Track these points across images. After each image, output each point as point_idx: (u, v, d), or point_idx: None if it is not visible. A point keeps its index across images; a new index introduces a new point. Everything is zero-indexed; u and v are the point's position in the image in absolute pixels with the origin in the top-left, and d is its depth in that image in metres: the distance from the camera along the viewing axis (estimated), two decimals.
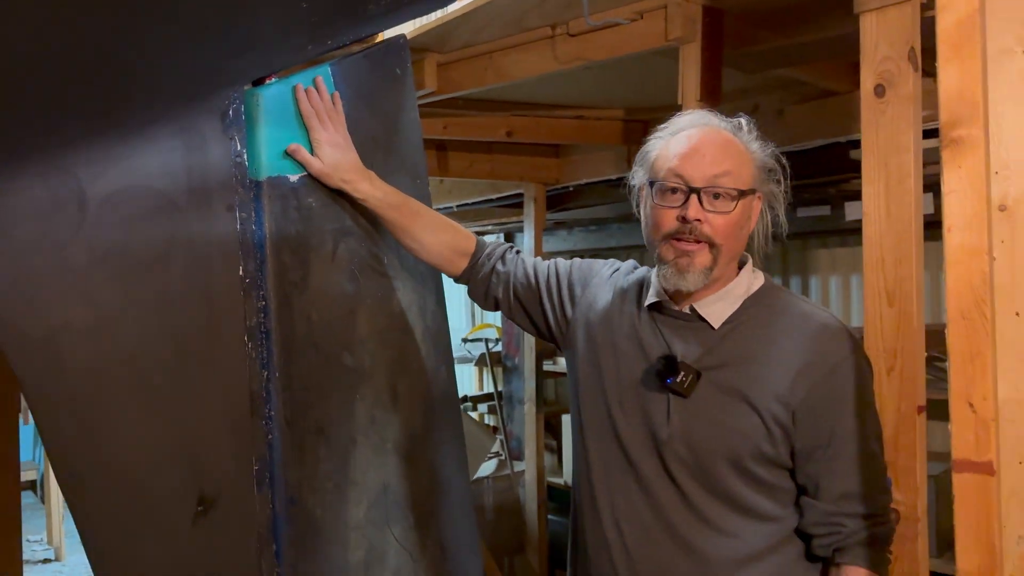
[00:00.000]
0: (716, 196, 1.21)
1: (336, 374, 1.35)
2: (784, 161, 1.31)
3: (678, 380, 1.22)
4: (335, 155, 1.34)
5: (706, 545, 1.23)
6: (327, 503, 1.30)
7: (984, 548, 0.85)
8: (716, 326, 1.26)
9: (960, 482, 0.87)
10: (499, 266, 1.46)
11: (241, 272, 1.22)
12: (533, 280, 1.45)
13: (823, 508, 1.23)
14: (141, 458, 1.12)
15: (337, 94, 1.37)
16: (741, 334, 1.26)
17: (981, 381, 0.86)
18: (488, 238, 5.33)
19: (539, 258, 1.51)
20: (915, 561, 1.38)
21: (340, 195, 1.38)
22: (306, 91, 1.32)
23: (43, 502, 5.51)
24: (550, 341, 1.49)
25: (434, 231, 1.44)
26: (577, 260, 1.49)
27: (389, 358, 1.48)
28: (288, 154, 1.30)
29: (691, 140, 1.25)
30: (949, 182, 0.88)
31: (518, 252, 1.51)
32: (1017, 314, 1.04)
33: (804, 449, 1.23)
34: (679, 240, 1.22)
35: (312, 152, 1.33)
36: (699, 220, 1.21)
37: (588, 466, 1.34)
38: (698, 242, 1.22)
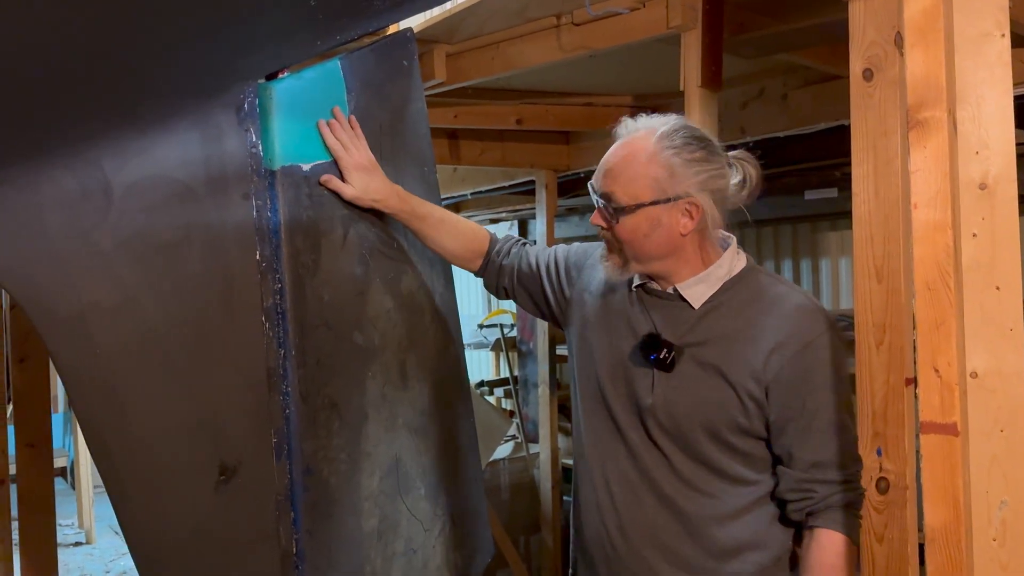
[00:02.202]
0: (613, 211, 1.33)
1: (348, 352, 1.43)
2: (750, 172, 1.38)
3: (661, 356, 1.32)
4: (364, 179, 1.45)
5: (688, 504, 1.33)
6: (341, 473, 1.37)
7: (949, 505, 0.91)
8: (696, 306, 1.36)
9: (927, 443, 0.92)
10: (505, 261, 1.60)
11: (258, 256, 1.29)
12: (535, 267, 1.58)
13: (796, 476, 1.31)
14: (166, 430, 1.20)
15: (353, 117, 1.46)
16: (720, 313, 1.35)
17: (946, 348, 0.92)
18: (502, 225, 5.35)
19: (543, 246, 1.63)
20: (904, 528, 1.43)
21: None
22: (328, 124, 1.42)
23: (73, 488, 5.66)
24: (552, 322, 1.62)
25: (455, 237, 1.58)
26: (575, 244, 1.60)
27: (399, 337, 1.55)
28: (322, 183, 1.41)
29: (607, 154, 1.37)
30: (915, 161, 0.93)
31: (524, 244, 1.64)
32: (998, 288, 1.09)
33: (778, 421, 1.32)
34: (599, 233, 1.38)
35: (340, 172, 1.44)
36: (599, 226, 1.36)
37: (582, 435, 1.45)
38: (609, 241, 1.36)
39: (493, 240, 1.60)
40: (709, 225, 1.34)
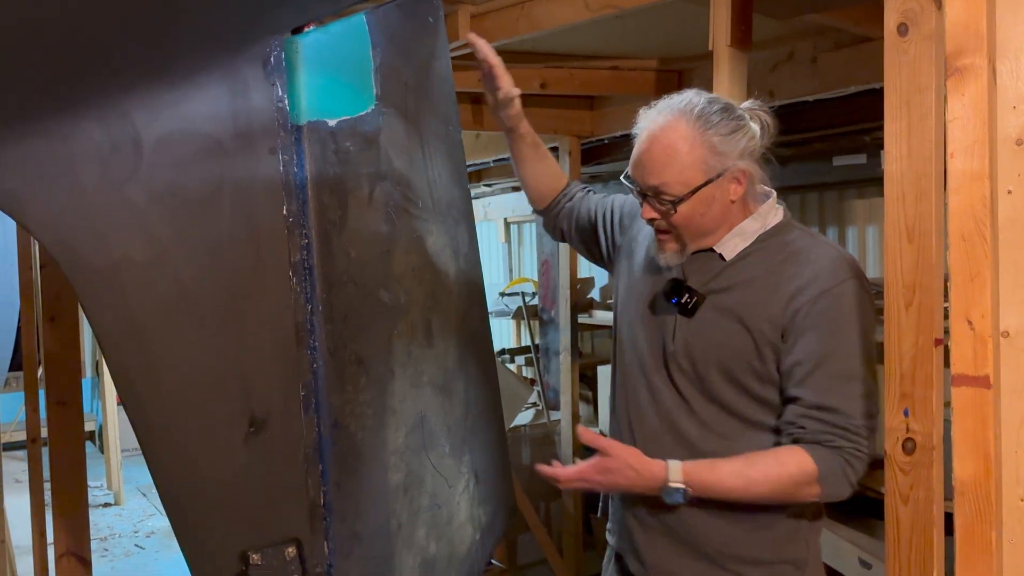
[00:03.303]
0: (669, 203, 1.35)
1: (373, 309, 1.43)
2: (766, 119, 1.41)
3: (683, 301, 1.39)
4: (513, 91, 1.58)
5: (705, 445, 1.39)
6: (368, 428, 1.39)
7: (980, 457, 0.90)
8: (728, 258, 1.40)
9: (959, 396, 0.92)
10: (568, 204, 1.69)
11: (285, 211, 1.30)
12: (593, 213, 1.67)
13: (795, 411, 1.33)
14: (196, 382, 1.21)
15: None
16: (747, 263, 1.40)
17: (980, 300, 0.90)
18: (524, 193, 5.31)
19: (604, 194, 1.71)
20: (930, 489, 1.42)
21: (375, 141, 1.45)
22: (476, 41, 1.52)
23: (102, 451, 5.77)
24: (602, 266, 1.71)
25: (545, 174, 1.69)
26: (630, 197, 1.63)
27: (423, 296, 1.56)
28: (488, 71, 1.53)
29: (639, 147, 1.39)
30: (953, 109, 0.92)
31: (589, 191, 1.73)
32: None
33: (789, 364, 1.35)
34: (651, 224, 1.41)
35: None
36: (653, 219, 1.38)
37: (615, 376, 1.55)
38: (664, 230, 1.39)
39: (568, 184, 1.70)
40: (756, 184, 1.39)
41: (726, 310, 1.37)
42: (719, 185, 1.34)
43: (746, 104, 1.42)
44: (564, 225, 1.69)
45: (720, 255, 1.40)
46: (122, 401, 1.19)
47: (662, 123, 1.35)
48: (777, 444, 1.37)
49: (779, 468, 1.29)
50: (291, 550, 1.26)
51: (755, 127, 1.37)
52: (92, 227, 1.12)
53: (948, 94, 0.93)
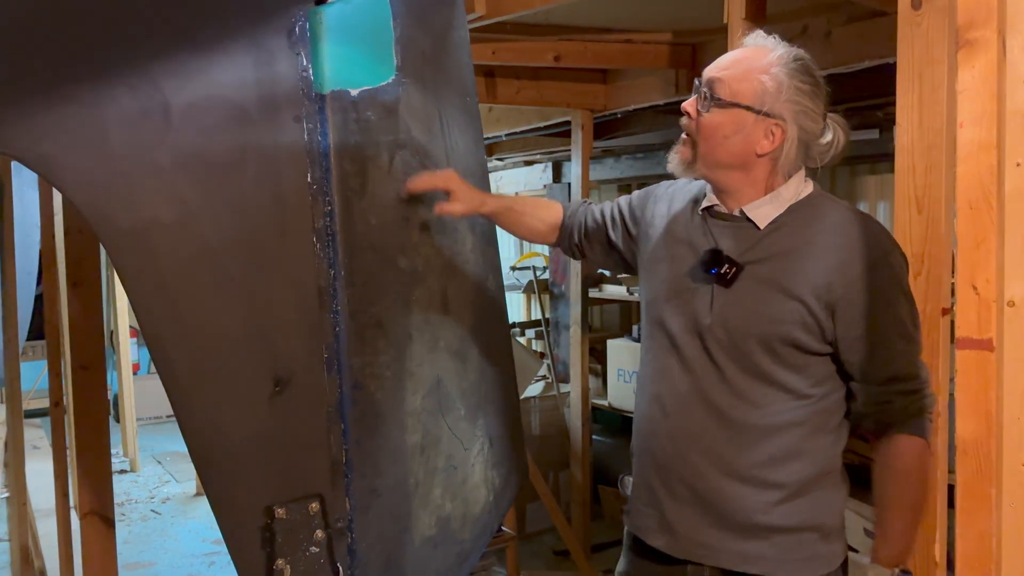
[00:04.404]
0: (710, 99, 1.35)
1: (393, 275, 1.47)
2: (840, 135, 1.41)
3: (722, 271, 1.38)
4: (467, 197, 1.55)
5: (736, 413, 1.40)
6: (387, 389, 1.43)
7: (981, 417, 0.93)
8: (761, 226, 1.40)
9: (962, 358, 0.95)
10: (572, 220, 1.68)
11: (308, 178, 1.33)
12: (599, 219, 1.66)
13: (872, 391, 1.38)
14: (223, 342, 1.25)
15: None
16: (784, 233, 1.40)
17: (985, 265, 0.93)
18: (536, 168, 5.30)
19: (609, 201, 1.70)
20: (935, 454, 1.46)
21: (394, 111, 1.48)
22: (418, 182, 1.49)
23: (118, 420, 5.86)
24: (625, 268, 1.69)
25: (535, 219, 1.68)
26: (636, 191, 1.66)
27: (441, 264, 1.59)
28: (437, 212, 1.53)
29: (728, 52, 1.40)
30: (963, 81, 0.94)
31: (590, 203, 1.72)
32: None
33: (845, 339, 1.36)
34: (683, 124, 1.41)
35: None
36: (687, 113, 1.38)
37: (644, 359, 1.55)
38: (688, 135, 1.39)
39: (565, 209, 1.69)
40: (783, 156, 1.38)
41: (766, 280, 1.37)
42: (755, 123, 1.35)
43: (833, 114, 1.43)
44: (576, 240, 1.68)
45: (754, 224, 1.40)
46: (152, 359, 1.23)
47: (760, 43, 1.39)
48: (814, 412, 1.40)
49: (909, 474, 1.38)
50: (314, 505, 1.31)
51: (826, 130, 1.39)
52: (123, 190, 1.16)
53: (959, 66, 0.95)
